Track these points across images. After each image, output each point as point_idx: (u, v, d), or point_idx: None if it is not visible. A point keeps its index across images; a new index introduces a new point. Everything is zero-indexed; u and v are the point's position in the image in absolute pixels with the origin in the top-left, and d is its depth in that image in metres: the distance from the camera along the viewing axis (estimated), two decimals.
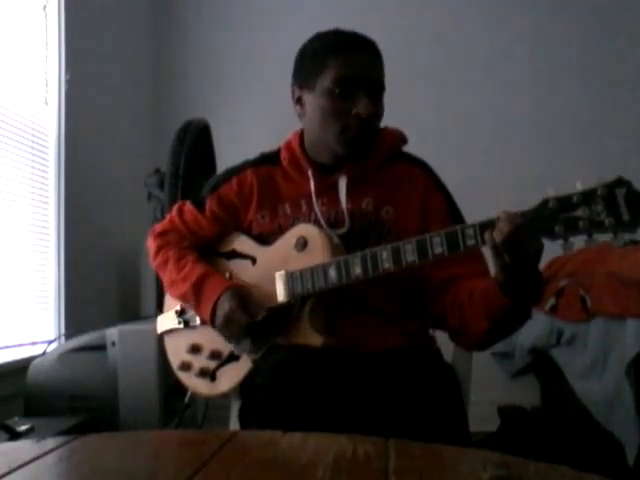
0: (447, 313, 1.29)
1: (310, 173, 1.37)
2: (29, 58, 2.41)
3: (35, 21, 2.46)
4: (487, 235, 1.04)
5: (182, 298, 1.44)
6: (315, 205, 1.35)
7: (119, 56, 3.05)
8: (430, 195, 1.38)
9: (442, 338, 1.45)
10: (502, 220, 1.02)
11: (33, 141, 2.40)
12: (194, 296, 1.37)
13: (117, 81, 3.00)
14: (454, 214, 1.36)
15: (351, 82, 1.28)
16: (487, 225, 1.06)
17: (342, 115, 1.29)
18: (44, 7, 2.51)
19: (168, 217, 1.53)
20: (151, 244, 1.51)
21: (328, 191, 1.36)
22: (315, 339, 1.25)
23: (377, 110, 1.31)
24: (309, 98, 1.34)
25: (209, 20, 3.42)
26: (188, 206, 1.49)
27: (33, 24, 2.45)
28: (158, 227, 1.53)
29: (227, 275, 1.43)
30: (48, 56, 2.53)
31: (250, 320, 1.28)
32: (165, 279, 1.47)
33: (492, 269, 1.14)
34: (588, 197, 0.97)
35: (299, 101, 1.37)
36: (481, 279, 1.24)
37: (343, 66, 1.28)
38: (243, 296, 1.32)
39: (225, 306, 1.30)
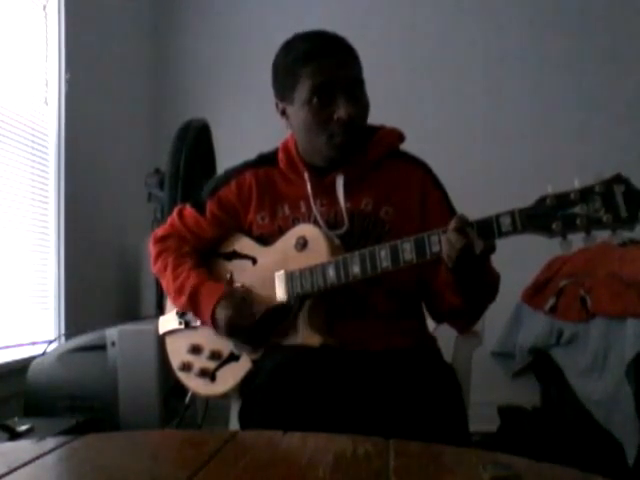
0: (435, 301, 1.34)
1: (306, 176, 1.37)
2: (29, 58, 2.41)
3: (35, 21, 2.45)
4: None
5: (181, 310, 1.46)
6: (313, 206, 1.35)
7: (119, 56, 3.04)
8: (428, 193, 1.38)
9: (442, 338, 1.45)
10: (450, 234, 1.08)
11: (33, 141, 2.40)
12: (192, 309, 1.39)
13: (117, 81, 3.00)
14: (453, 212, 1.35)
15: (327, 88, 1.27)
16: (485, 223, 1.06)
17: (325, 123, 1.29)
18: (44, 7, 2.50)
19: (169, 220, 1.53)
20: (152, 249, 1.52)
21: (326, 191, 1.36)
22: (314, 339, 1.25)
23: (359, 106, 1.31)
24: (291, 111, 1.35)
25: (209, 20, 3.42)
26: (188, 209, 1.49)
27: (33, 24, 2.44)
28: (159, 232, 1.53)
29: (228, 276, 1.43)
30: (48, 56, 2.52)
31: (250, 324, 1.29)
32: (164, 285, 1.48)
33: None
34: (586, 194, 0.97)
35: (284, 113, 1.38)
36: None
37: (316, 75, 1.27)
38: (238, 301, 1.33)
39: (222, 317, 1.32)
